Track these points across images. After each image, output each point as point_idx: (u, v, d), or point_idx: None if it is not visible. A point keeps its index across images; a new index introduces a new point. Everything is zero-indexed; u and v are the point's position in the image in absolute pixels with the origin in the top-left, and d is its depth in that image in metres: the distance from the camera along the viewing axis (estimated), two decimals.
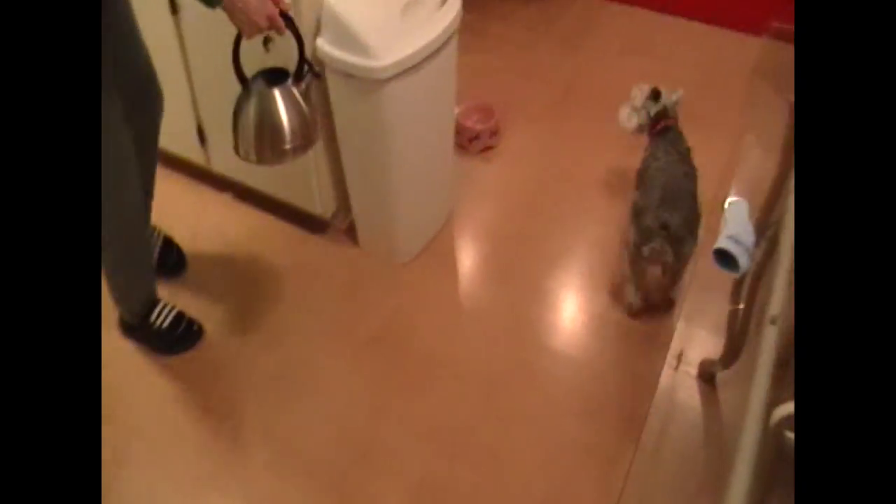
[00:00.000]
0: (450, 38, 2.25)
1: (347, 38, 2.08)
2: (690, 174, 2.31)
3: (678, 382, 2.19)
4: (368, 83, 2.11)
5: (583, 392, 2.17)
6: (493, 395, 2.17)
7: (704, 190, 2.36)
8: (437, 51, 2.21)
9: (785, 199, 1.59)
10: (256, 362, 2.28)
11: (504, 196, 2.80)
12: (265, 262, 2.58)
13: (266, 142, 1.95)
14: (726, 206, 1.58)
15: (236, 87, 2.10)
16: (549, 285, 2.48)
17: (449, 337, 2.32)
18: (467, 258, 2.58)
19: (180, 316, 2.35)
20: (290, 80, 1.93)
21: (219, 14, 1.77)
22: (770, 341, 1.17)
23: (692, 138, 2.48)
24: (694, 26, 3.71)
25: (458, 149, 2.81)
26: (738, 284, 2.00)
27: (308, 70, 1.96)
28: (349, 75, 2.13)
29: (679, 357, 2.24)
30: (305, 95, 1.95)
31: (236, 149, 1.99)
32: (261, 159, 1.99)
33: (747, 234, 1.50)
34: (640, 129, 2.58)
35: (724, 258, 1.49)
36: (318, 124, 2.00)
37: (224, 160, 2.73)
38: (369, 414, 2.14)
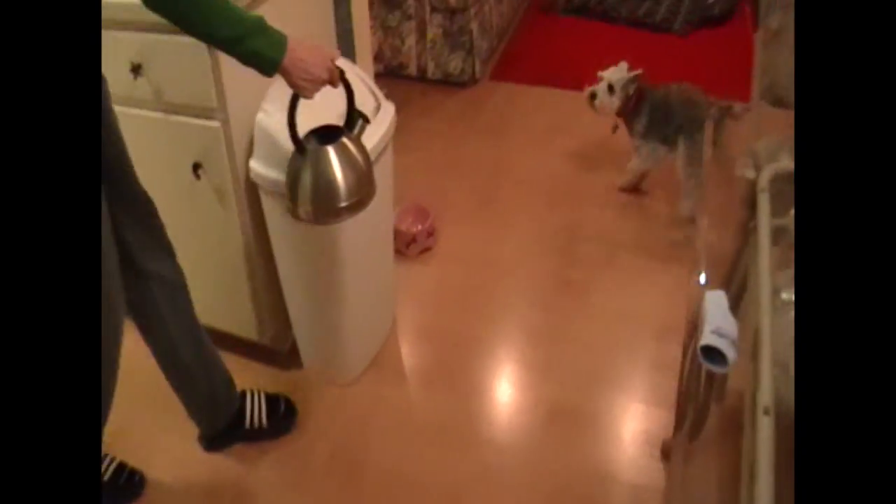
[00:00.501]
0: (386, 145, 2.23)
1: (281, 157, 2.02)
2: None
3: (642, 466, 2.17)
4: None
5: (546, 489, 2.14)
6: None
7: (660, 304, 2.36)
8: (376, 160, 2.18)
9: (744, 276, 1.60)
10: None
11: (445, 298, 2.77)
12: None
13: (322, 202, 1.89)
14: (704, 299, 1.56)
15: (168, 203, 2.06)
16: (498, 383, 2.45)
17: (404, 452, 2.25)
18: (415, 367, 2.52)
19: (273, 399, 2.30)
20: (342, 135, 1.89)
21: (142, 135, 1.68)
22: (767, 434, 1.14)
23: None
24: None
25: (396, 254, 2.78)
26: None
27: (359, 117, 1.93)
28: (284, 195, 2.08)
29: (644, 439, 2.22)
30: (358, 145, 1.91)
31: (294, 212, 1.94)
32: (319, 219, 1.94)
33: (730, 325, 1.48)
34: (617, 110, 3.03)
35: (710, 354, 1.46)
36: (371, 176, 1.95)
37: None
38: None
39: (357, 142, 1.91)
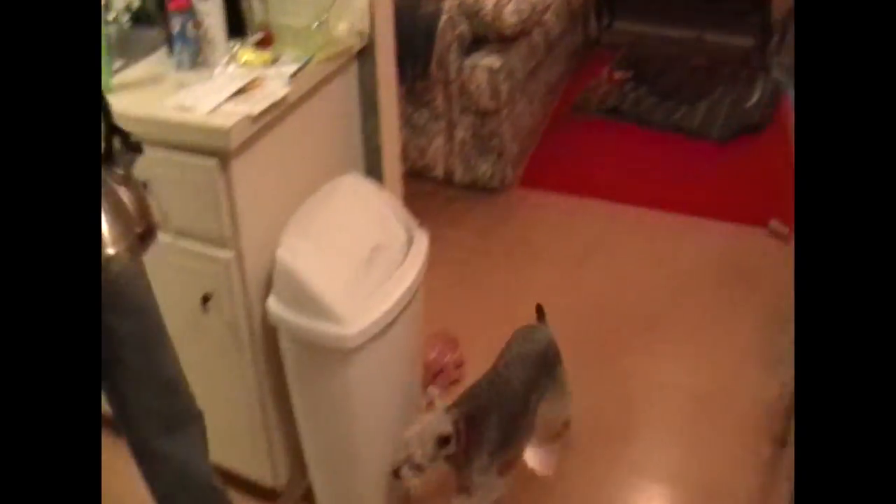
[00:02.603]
0: (420, 282, 1.99)
1: (306, 300, 1.80)
2: None
3: None
4: (332, 352, 1.82)
5: None
6: None
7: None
8: (411, 297, 1.94)
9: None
10: None
11: None
12: None
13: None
14: None
15: (174, 333, 1.77)
16: None
17: None
18: None
19: None
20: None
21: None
22: None
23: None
24: (658, 217, 3.55)
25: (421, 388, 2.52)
26: None
27: (122, 143, 1.44)
28: (308, 342, 1.83)
29: None
30: (127, 183, 1.46)
31: None
32: None
33: None
34: None
35: None
36: (150, 213, 1.49)
37: None
38: None
39: (125, 178, 1.46)
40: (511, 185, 3.79)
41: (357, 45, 2.06)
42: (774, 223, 3.33)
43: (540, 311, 2.38)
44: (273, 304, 1.86)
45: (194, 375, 2.08)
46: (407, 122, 3.68)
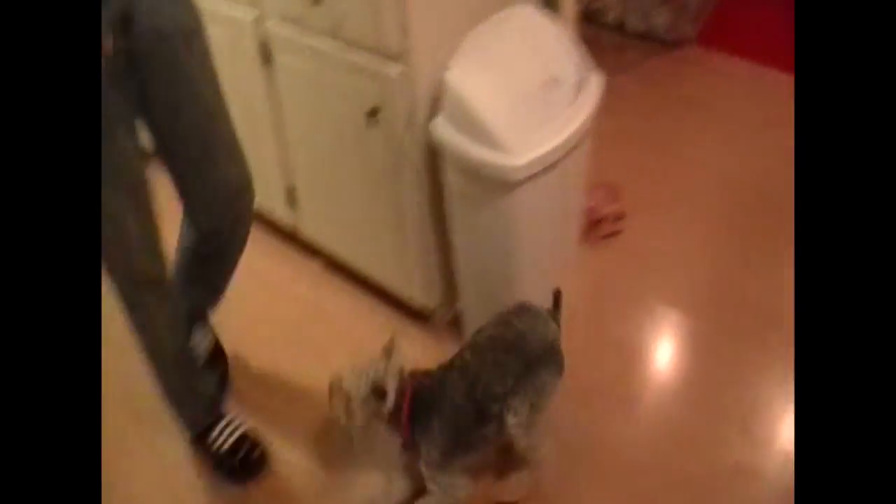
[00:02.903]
0: (589, 125, 1.92)
1: (472, 125, 1.77)
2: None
3: None
4: (496, 182, 1.79)
5: None
6: None
7: None
8: (579, 139, 1.88)
9: None
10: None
11: (621, 294, 2.45)
12: (351, 349, 2.26)
13: None
14: None
15: (337, 148, 2.01)
16: (674, 408, 2.14)
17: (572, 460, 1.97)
18: (582, 367, 2.22)
19: (242, 439, 2.02)
20: None
21: (314, 68, 1.59)
22: None
23: None
24: None
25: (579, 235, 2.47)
26: None
27: None
28: (472, 169, 1.81)
29: None
30: None
31: None
32: None
33: None
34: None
35: None
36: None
37: (315, 225, 2.48)
38: None
39: None
40: (688, 41, 3.59)
41: None
42: None
43: (557, 297, 1.89)
44: (439, 126, 1.83)
45: (358, 190, 2.12)
46: None
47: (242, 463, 2.00)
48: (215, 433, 2.00)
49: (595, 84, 1.96)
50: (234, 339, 2.31)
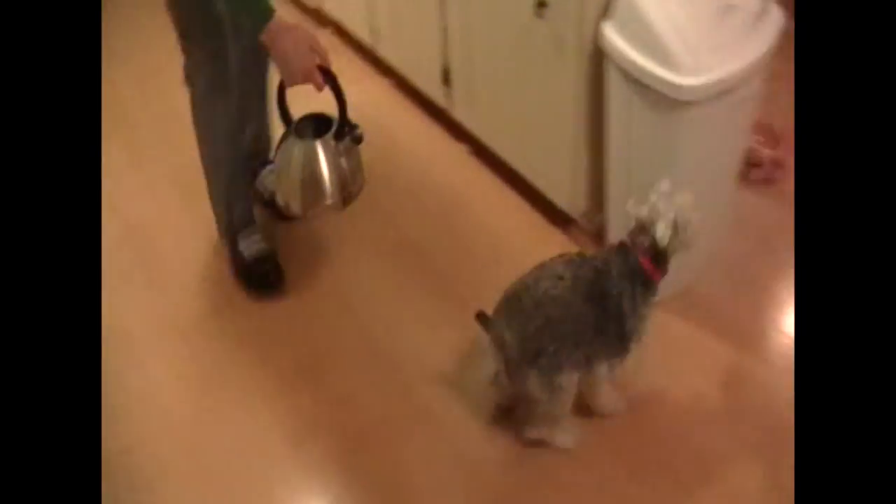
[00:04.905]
0: (767, 60, 1.82)
1: (645, 35, 1.73)
2: (589, 316, 1.69)
3: None
4: (663, 99, 1.74)
5: None
6: None
7: None
8: (752, 76, 1.78)
9: None
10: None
11: (777, 244, 2.36)
12: (486, 238, 2.27)
13: (309, 194, 1.87)
14: None
15: (498, 34, 1.99)
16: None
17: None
18: (726, 312, 2.20)
19: (265, 256, 2.26)
20: (330, 135, 1.81)
21: None
22: None
23: None
24: None
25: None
26: None
27: (349, 131, 1.81)
28: (638, 81, 1.74)
29: None
30: (347, 153, 1.84)
31: (275, 192, 1.95)
32: (303, 210, 1.92)
33: None
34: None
35: None
36: (360, 182, 1.89)
37: (467, 109, 2.49)
38: None
39: (343, 152, 1.83)
40: None
41: None
42: None
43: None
44: (609, 29, 1.80)
45: (518, 86, 2.09)
46: None
47: (263, 274, 2.25)
48: (241, 240, 2.25)
49: (776, 17, 1.86)
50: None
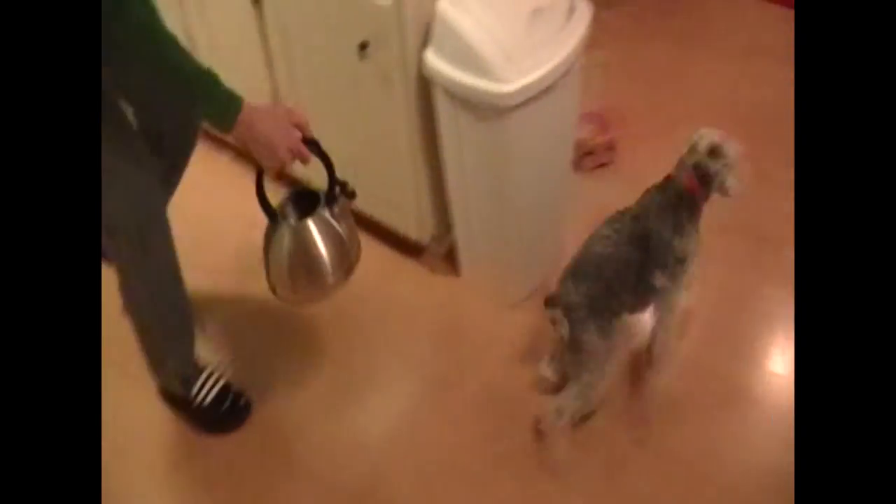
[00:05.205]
0: (578, 54, 1.94)
1: (464, 54, 1.78)
2: (633, 259, 1.84)
3: None
4: (488, 109, 1.82)
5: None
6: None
7: None
8: (568, 68, 1.90)
9: None
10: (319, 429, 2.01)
11: None
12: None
13: (303, 279, 1.69)
14: None
15: (326, 81, 1.96)
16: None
17: None
18: None
19: (225, 391, 2.04)
20: (322, 207, 1.65)
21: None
22: None
23: None
24: None
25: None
26: None
27: (341, 192, 1.68)
28: (464, 98, 1.83)
29: None
30: (340, 217, 1.68)
31: (272, 288, 1.72)
32: (299, 299, 1.82)
33: None
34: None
35: None
36: (357, 246, 1.74)
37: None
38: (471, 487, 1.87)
39: (338, 215, 1.68)
40: None
41: None
42: None
43: None
44: (431, 56, 1.85)
45: (350, 123, 2.13)
46: None
47: (228, 413, 2.03)
48: (197, 387, 2.01)
49: (583, 12, 1.97)
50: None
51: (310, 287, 1.71)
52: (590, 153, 2.59)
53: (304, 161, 1.57)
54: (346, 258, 1.69)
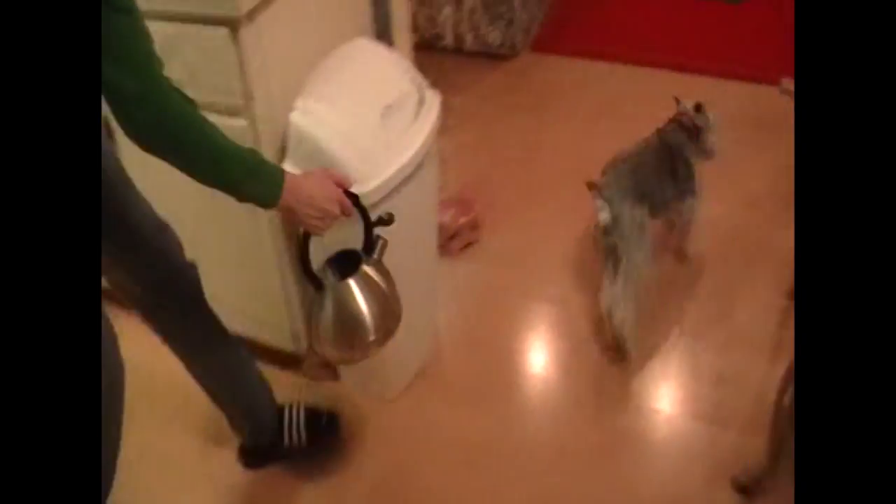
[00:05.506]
0: (431, 142, 2.02)
1: (321, 161, 1.82)
2: (652, 168, 2.37)
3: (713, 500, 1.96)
4: None
5: None
6: None
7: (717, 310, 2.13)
8: (422, 159, 1.97)
9: None
10: None
11: (490, 300, 2.57)
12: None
13: (348, 340, 1.73)
14: None
15: (196, 207, 1.93)
16: (548, 401, 2.26)
17: (460, 479, 2.06)
18: (461, 381, 2.32)
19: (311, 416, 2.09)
20: (362, 263, 1.70)
21: None
22: None
23: None
24: (672, 77, 3.54)
25: (438, 250, 2.58)
26: None
27: (377, 238, 1.73)
28: None
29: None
30: (379, 266, 1.73)
31: (318, 352, 1.78)
32: (346, 359, 1.89)
33: None
34: None
35: None
36: (398, 298, 1.77)
37: None
38: None
39: (379, 267, 1.73)
40: (522, 51, 3.77)
41: None
42: (785, 81, 3.31)
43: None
44: (289, 168, 1.87)
45: (216, 245, 2.13)
46: None
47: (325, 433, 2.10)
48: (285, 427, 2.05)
49: (432, 103, 2.04)
50: None
51: (353, 347, 1.75)
52: (455, 235, 2.67)
53: (348, 214, 1.62)
54: (388, 311, 1.74)
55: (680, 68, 3.57)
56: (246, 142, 1.86)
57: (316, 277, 1.69)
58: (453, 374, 2.35)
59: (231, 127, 1.83)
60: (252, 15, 1.73)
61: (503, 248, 2.72)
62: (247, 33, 1.74)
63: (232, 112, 1.84)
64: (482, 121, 3.34)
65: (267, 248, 2.06)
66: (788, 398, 1.72)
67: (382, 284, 1.72)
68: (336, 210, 1.58)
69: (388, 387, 2.26)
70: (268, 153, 1.89)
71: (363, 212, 1.68)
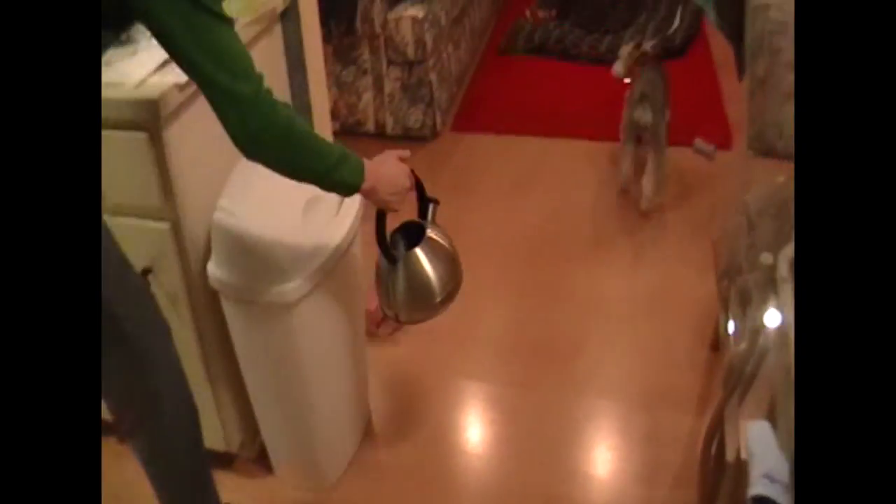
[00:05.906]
0: (357, 227, 2.06)
1: (245, 258, 1.84)
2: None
3: None
4: (275, 307, 1.88)
5: None
6: None
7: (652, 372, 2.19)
8: (348, 244, 2.01)
9: None
10: None
11: (421, 382, 2.59)
12: None
13: (419, 303, 1.90)
14: (749, 432, 1.38)
15: None
16: (486, 481, 2.27)
17: None
18: (395, 466, 2.32)
19: None
20: (426, 229, 1.86)
21: None
22: None
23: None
24: (589, 146, 3.65)
25: (367, 336, 2.60)
26: None
27: (430, 202, 1.90)
28: (253, 302, 1.89)
29: None
30: (437, 228, 1.90)
31: (388, 315, 1.96)
32: (414, 320, 1.99)
33: (780, 465, 1.30)
34: (627, 72, 3.11)
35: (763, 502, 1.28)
36: (457, 253, 1.93)
37: None
38: None
39: (438, 230, 1.89)
40: (443, 131, 3.87)
41: (280, 5, 2.10)
42: (699, 142, 3.47)
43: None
44: (213, 268, 1.88)
45: None
46: (335, 81, 3.72)
47: None
48: None
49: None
50: None
51: (422, 310, 1.91)
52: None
53: (412, 188, 1.80)
54: (452, 271, 1.89)
55: (591, 137, 3.69)
56: (168, 246, 1.87)
57: (390, 253, 1.84)
58: (388, 457, 2.35)
59: (154, 230, 1.85)
60: (171, 117, 1.75)
61: (430, 329, 2.72)
62: (167, 136, 1.75)
63: (154, 216, 1.85)
64: (407, 203, 3.38)
65: (194, 352, 2.04)
66: (714, 448, 1.76)
67: (444, 242, 1.89)
68: (409, 184, 1.76)
69: (323, 476, 2.24)
70: (192, 255, 1.90)
71: (417, 180, 1.83)
